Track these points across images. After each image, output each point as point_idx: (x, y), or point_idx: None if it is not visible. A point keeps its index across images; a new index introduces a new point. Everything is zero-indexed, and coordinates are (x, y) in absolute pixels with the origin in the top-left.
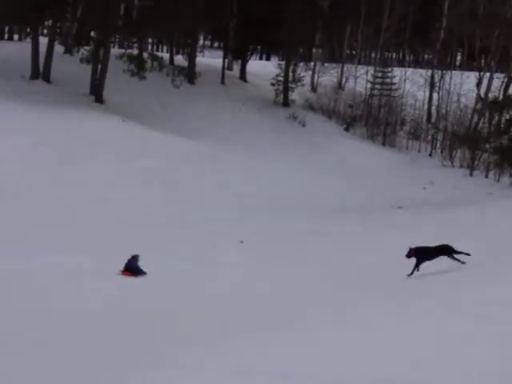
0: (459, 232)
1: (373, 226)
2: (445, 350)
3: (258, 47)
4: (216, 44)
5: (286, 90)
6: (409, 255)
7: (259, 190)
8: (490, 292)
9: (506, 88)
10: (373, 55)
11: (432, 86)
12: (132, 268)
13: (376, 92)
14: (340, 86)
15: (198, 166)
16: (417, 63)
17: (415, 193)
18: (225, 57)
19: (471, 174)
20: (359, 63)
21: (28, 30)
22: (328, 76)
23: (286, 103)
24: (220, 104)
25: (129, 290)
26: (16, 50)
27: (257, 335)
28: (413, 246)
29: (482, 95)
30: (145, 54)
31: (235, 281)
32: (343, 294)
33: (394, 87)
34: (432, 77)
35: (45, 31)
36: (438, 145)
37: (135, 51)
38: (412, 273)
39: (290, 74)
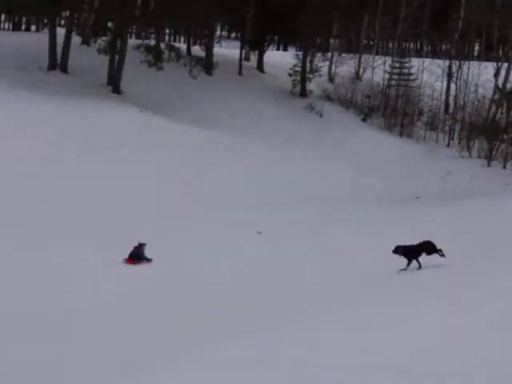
0: (476, 222)
1: (389, 216)
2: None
3: (276, 38)
4: (233, 35)
5: (304, 81)
6: (395, 251)
7: (275, 180)
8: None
9: None
10: (390, 45)
11: (450, 76)
12: (135, 255)
13: (393, 82)
14: (357, 76)
15: (215, 156)
16: (434, 53)
17: (433, 183)
18: (242, 47)
19: (489, 165)
20: (377, 53)
21: (45, 20)
22: (345, 66)
23: (304, 94)
24: (237, 95)
25: (145, 278)
26: (33, 41)
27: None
28: (400, 244)
29: (500, 85)
30: (162, 45)
31: (243, 269)
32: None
33: (411, 77)
34: (450, 67)
35: (62, 22)
36: (456, 135)
37: (152, 42)
38: (407, 267)
39: (308, 64)
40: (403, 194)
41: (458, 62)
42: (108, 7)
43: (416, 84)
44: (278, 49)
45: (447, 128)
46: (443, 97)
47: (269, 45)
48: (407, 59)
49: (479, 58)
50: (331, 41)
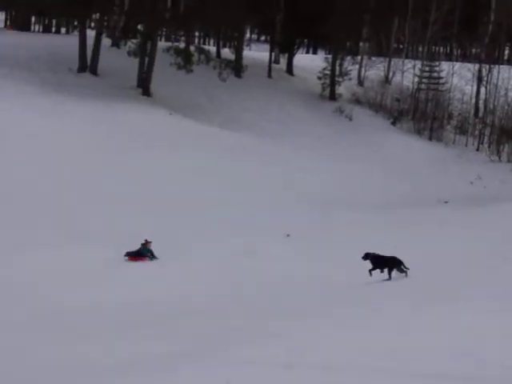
0: (505, 226)
1: (417, 219)
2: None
3: (305, 41)
4: (263, 37)
5: (333, 84)
6: (365, 258)
7: (304, 183)
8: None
9: None
10: (420, 49)
11: (480, 80)
12: (136, 253)
13: (423, 86)
14: (387, 79)
15: (243, 159)
16: (464, 57)
17: (462, 188)
18: (271, 50)
19: None
20: (406, 57)
21: (75, 23)
22: (375, 70)
23: (333, 97)
24: (266, 97)
25: (171, 277)
26: (63, 43)
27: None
28: (370, 252)
29: None
30: (192, 47)
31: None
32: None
33: (441, 81)
34: (480, 71)
35: (92, 24)
36: (486, 139)
37: (182, 44)
38: (370, 274)
39: (337, 67)
40: (432, 197)
41: (488, 66)
42: (138, 9)
43: (446, 88)
44: (307, 52)
45: (477, 132)
46: (473, 101)
47: (298, 48)
48: (437, 63)
49: (509, 61)
50: (361, 44)
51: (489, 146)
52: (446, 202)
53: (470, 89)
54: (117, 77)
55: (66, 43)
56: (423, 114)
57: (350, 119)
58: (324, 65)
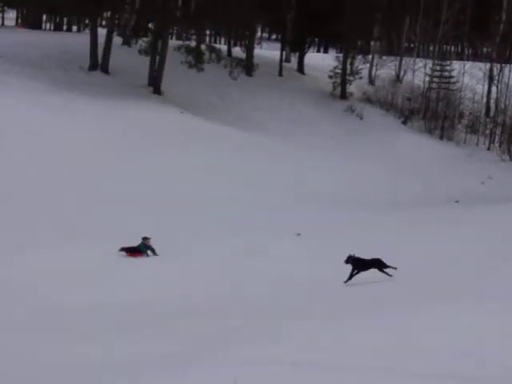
0: None
1: (427, 218)
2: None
3: (316, 39)
4: (274, 36)
5: (344, 83)
6: (347, 261)
7: (315, 182)
8: None
9: None
10: (431, 48)
11: (491, 79)
12: (133, 249)
13: (434, 85)
14: (398, 78)
15: (254, 157)
16: (475, 56)
17: (472, 187)
18: (282, 49)
19: None
20: (417, 56)
21: (87, 21)
22: (386, 69)
23: (344, 96)
24: (277, 96)
25: (179, 276)
26: (75, 42)
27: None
28: (352, 254)
29: None
30: (203, 46)
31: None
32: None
33: (452, 80)
34: (491, 70)
35: (103, 22)
36: (497, 139)
37: (193, 43)
38: (347, 280)
39: (348, 66)
40: (442, 197)
41: (499, 65)
42: (149, 8)
43: (457, 87)
44: (318, 51)
45: (488, 131)
46: (484, 100)
47: (309, 47)
48: (448, 62)
49: None
50: (372, 43)
51: (500, 146)
52: (457, 202)
53: (481, 88)
54: (128, 75)
55: (77, 41)
56: (434, 113)
57: (361, 118)
58: (335, 63)
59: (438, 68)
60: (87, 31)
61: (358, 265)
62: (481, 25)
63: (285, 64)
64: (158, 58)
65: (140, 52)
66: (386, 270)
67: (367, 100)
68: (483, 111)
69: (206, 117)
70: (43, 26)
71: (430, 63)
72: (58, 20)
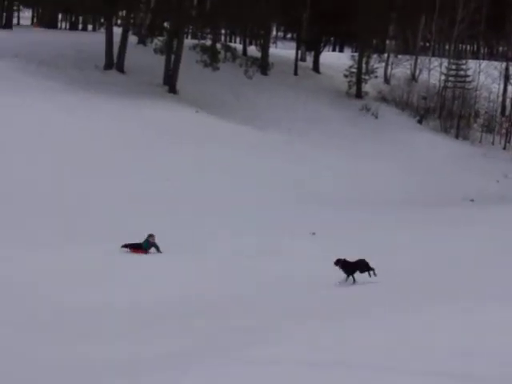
0: None
1: (442, 219)
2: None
3: (332, 39)
4: (289, 35)
5: (359, 82)
6: (336, 264)
7: (329, 181)
8: None
9: None
10: (447, 47)
11: (506, 78)
12: (136, 245)
13: (450, 84)
14: (413, 77)
15: (269, 156)
16: (491, 55)
17: (488, 186)
18: (298, 48)
19: None
20: (433, 55)
21: (102, 20)
22: (401, 68)
23: (359, 95)
24: (293, 95)
25: (195, 274)
26: (90, 41)
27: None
28: (341, 258)
29: None
30: (218, 45)
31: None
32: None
33: (467, 79)
34: (506, 69)
35: (119, 21)
36: None
37: (208, 42)
38: (346, 280)
39: (364, 65)
40: (457, 196)
41: None
42: (164, 7)
43: (472, 86)
44: (333, 50)
45: (504, 130)
46: (500, 99)
47: (325, 46)
48: (464, 61)
49: None
50: (387, 42)
51: None
52: (472, 201)
53: (496, 87)
54: (143, 74)
55: (93, 40)
56: (450, 112)
57: (376, 117)
58: (350, 63)
59: (453, 67)
60: (102, 30)
61: (347, 268)
62: (496, 24)
63: (300, 63)
64: (173, 56)
65: (155, 51)
66: (370, 272)
67: (382, 99)
68: (499, 110)
69: (221, 116)
70: (59, 25)
71: (445, 62)
72: (73, 19)
